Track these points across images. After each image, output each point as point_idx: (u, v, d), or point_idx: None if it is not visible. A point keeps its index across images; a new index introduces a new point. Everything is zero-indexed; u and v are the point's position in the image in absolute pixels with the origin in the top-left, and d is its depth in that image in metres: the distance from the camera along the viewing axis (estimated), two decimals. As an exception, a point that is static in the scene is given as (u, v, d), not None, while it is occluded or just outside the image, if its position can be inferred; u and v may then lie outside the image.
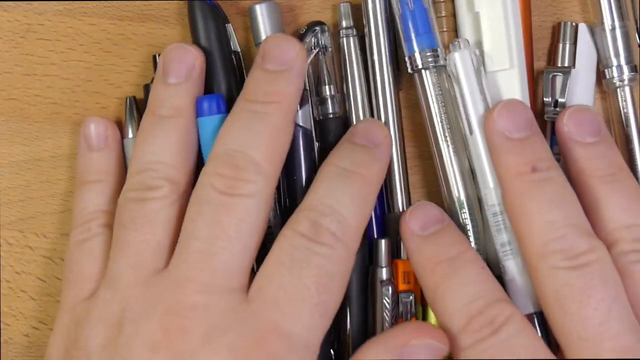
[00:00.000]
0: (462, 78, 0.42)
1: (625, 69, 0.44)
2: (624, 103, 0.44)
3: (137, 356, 0.37)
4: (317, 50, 0.44)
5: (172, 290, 0.38)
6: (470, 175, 0.43)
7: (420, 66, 0.42)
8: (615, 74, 0.44)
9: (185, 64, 0.42)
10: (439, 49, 0.42)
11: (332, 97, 0.44)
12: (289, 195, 0.43)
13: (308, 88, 0.43)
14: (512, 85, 0.43)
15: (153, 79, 0.43)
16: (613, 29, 0.43)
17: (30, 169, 0.46)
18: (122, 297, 0.39)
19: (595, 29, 0.44)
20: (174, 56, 0.42)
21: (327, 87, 0.44)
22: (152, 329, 0.37)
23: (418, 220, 0.41)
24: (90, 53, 0.46)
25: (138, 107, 0.45)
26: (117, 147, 0.44)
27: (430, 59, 0.42)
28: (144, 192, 0.40)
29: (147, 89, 0.44)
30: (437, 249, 0.40)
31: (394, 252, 0.43)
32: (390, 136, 0.42)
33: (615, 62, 0.44)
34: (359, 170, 0.40)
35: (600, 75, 0.44)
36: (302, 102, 0.42)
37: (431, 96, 0.42)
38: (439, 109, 0.42)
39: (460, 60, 0.42)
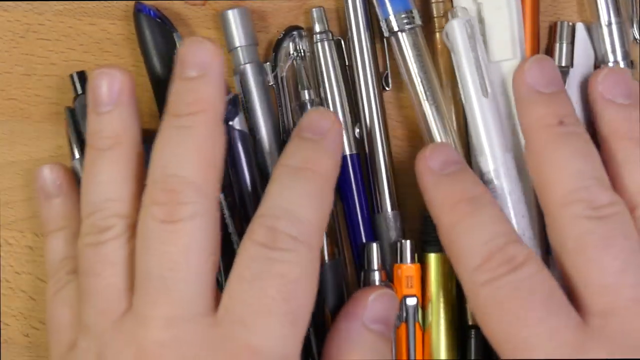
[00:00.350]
0: (460, 45, 0.42)
1: (622, 65, 0.44)
2: None
3: None
4: (295, 54, 0.44)
5: (138, 329, 0.37)
6: (455, 135, 0.43)
7: (396, 29, 0.43)
8: (611, 70, 0.44)
9: (112, 89, 0.40)
10: (413, 10, 0.43)
11: (311, 101, 0.44)
12: (240, 201, 0.43)
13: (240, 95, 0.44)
14: None
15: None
16: (609, 24, 0.44)
17: (30, 169, 0.46)
18: (97, 344, 0.38)
19: (592, 26, 0.45)
20: (99, 83, 0.41)
21: (305, 91, 0.44)
22: None
23: (438, 158, 0.41)
24: (90, 53, 0.46)
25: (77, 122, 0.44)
26: (73, 192, 0.43)
27: (405, 21, 0.43)
28: (97, 236, 0.39)
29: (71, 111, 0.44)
30: (457, 187, 0.40)
31: (389, 255, 0.44)
32: (339, 121, 0.42)
33: (612, 58, 0.44)
34: (310, 166, 0.39)
35: (598, 72, 0.45)
36: (237, 110, 0.43)
37: (409, 57, 0.43)
38: (418, 69, 0.43)
39: (457, 28, 0.42)
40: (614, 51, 0.44)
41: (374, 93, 0.44)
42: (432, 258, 0.43)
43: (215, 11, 0.45)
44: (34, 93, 0.46)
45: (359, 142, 0.45)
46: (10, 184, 0.46)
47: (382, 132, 0.44)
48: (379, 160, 0.44)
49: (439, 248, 0.43)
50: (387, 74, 0.45)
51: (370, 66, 0.44)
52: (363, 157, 0.45)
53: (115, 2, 0.45)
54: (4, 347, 0.46)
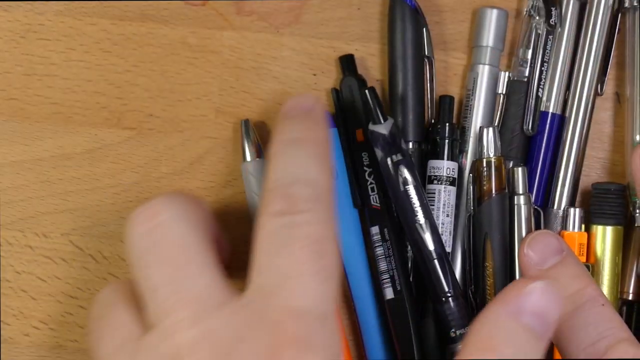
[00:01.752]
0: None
1: None
2: None
3: None
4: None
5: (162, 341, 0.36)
6: None
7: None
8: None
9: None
10: None
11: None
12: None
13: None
14: None
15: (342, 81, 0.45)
16: None
17: (30, 169, 0.46)
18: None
19: None
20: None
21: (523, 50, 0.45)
22: None
23: (537, 252, 0.41)
24: (90, 53, 0.46)
25: (253, 128, 0.45)
26: None
27: None
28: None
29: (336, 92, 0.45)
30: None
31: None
32: (319, 100, 0.41)
33: None
34: (305, 135, 0.39)
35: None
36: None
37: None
38: None
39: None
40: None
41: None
42: (600, 230, 0.44)
43: (216, 12, 0.45)
44: (34, 93, 0.46)
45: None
46: (10, 184, 0.46)
47: (584, 129, 0.46)
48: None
49: (606, 221, 0.44)
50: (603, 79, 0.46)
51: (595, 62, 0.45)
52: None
53: (115, 2, 0.45)
54: (4, 347, 0.46)
